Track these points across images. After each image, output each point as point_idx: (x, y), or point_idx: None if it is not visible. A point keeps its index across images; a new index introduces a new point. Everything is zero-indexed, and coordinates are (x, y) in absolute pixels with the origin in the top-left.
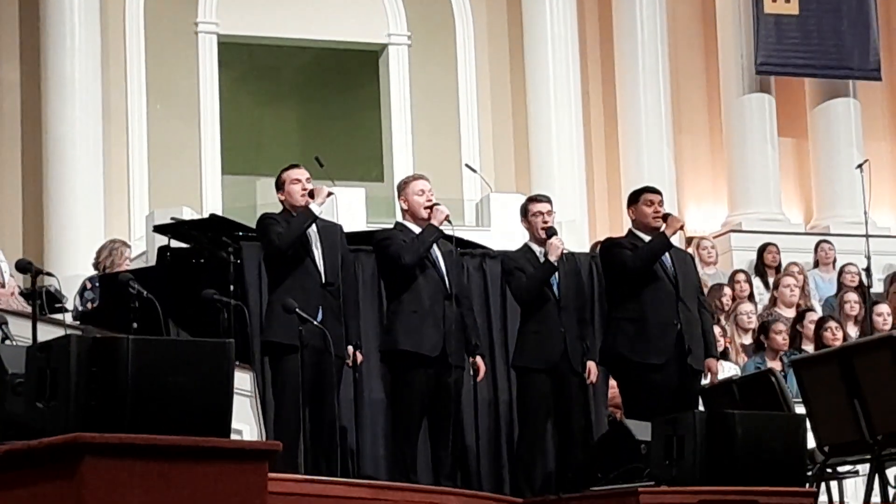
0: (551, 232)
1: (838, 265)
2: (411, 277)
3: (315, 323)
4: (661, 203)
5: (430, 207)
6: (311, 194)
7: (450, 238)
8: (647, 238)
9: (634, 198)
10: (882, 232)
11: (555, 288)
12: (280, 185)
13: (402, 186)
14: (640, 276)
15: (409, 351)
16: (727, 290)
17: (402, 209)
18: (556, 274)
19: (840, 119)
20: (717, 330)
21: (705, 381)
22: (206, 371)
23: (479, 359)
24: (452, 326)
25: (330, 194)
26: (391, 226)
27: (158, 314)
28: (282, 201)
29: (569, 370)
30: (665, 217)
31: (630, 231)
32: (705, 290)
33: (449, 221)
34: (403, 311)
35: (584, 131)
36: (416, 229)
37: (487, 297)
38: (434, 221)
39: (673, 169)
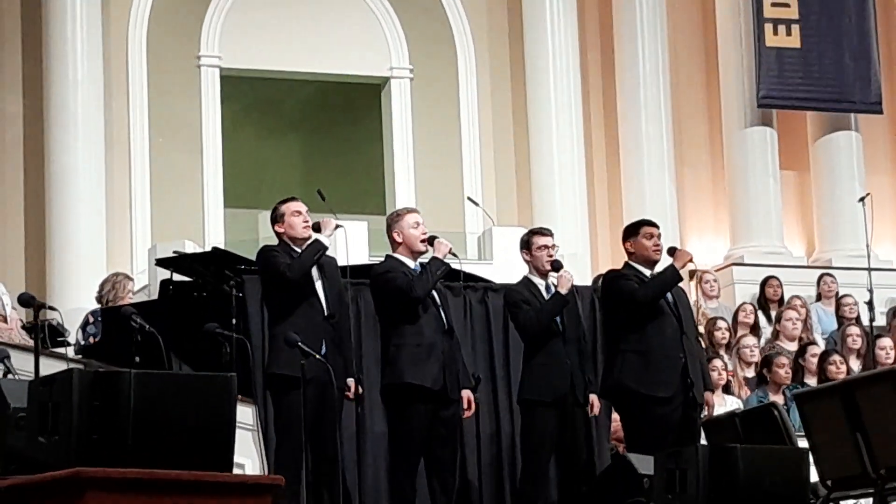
0: (558, 265)
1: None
2: (414, 311)
3: (318, 357)
4: (659, 236)
5: (430, 240)
6: (317, 227)
7: (456, 272)
8: (645, 271)
9: (633, 231)
10: (884, 265)
11: (558, 321)
12: (279, 218)
13: (395, 219)
14: (647, 308)
15: (413, 384)
16: (722, 324)
17: (396, 242)
18: None
19: (842, 152)
20: (718, 363)
21: (703, 415)
22: (208, 405)
23: (467, 392)
24: (450, 360)
25: (338, 227)
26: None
27: (161, 348)
28: (280, 234)
29: (574, 403)
30: (672, 250)
31: (627, 264)
32: (705, 323)
33: (454, 255)
34: (407, 345)
35: (586, 164)
36: (410, 263)
37: (490, 331)
38: (438, 254)
39: (675, 202)
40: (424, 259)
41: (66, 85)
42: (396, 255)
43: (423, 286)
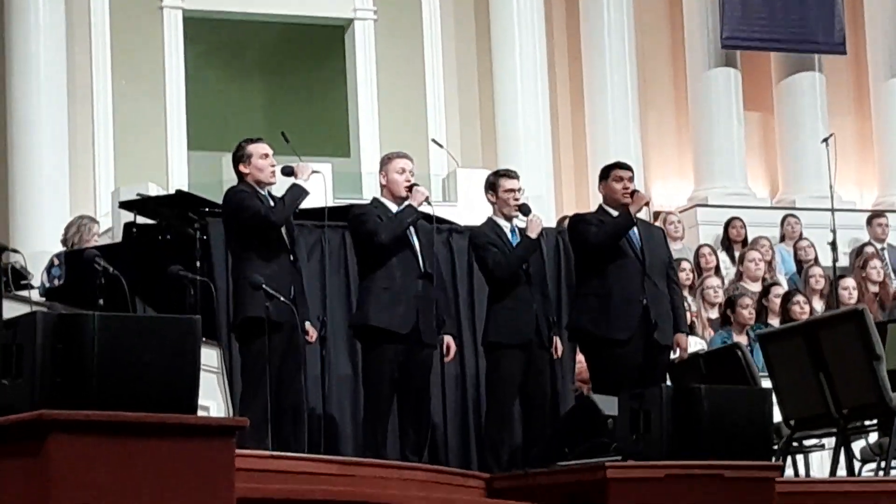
0: (527, 209)
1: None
2: (385, 255)
3: (282, 299)
4: (630, 179)
5: (410, 187)
6: (288, 171)
7: (429, 219)
8: (616, 214)
9: (605, 173)
10: (847, 206)
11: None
12: (245, 158)
13: (385, 162)
14: (606, 252)
15: (379, 327)
16: (686, 265)
17: (381, 184)
18: None
19: (805, 93)
20: None
21: (675, 356)
22: (172, 347)
23: (448, 338)
24: (426, 304)
25: (314, 172)
26: (357, 201)
27: (125, 290)
28: (244, 174)
29: (539, 346)
30: (632, 194)
31: (600, 207)
32: None
33: (429, 203)
34: (375, 288)
35: (551, 106)
36: (393, 207)
37: (454, 273)
38: (413, 202)
39: (639, 144)
40: None
41: (28, 29)
42: (381, 198)
43: (389, 232)
